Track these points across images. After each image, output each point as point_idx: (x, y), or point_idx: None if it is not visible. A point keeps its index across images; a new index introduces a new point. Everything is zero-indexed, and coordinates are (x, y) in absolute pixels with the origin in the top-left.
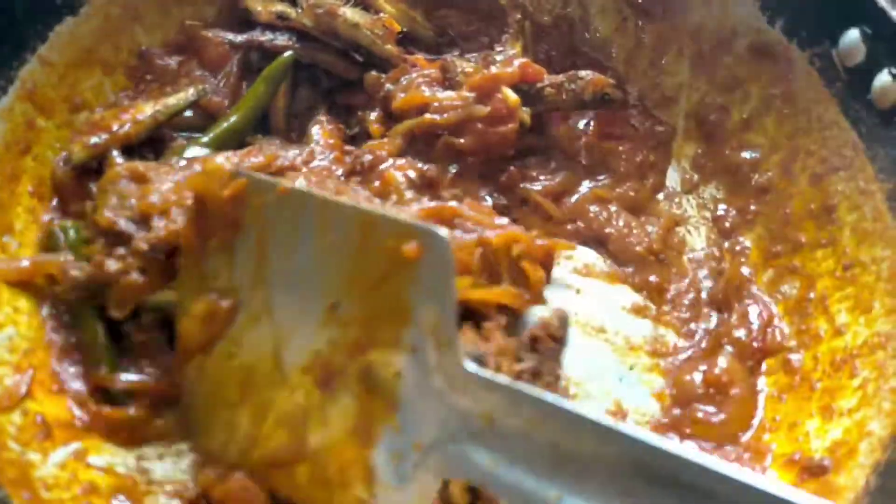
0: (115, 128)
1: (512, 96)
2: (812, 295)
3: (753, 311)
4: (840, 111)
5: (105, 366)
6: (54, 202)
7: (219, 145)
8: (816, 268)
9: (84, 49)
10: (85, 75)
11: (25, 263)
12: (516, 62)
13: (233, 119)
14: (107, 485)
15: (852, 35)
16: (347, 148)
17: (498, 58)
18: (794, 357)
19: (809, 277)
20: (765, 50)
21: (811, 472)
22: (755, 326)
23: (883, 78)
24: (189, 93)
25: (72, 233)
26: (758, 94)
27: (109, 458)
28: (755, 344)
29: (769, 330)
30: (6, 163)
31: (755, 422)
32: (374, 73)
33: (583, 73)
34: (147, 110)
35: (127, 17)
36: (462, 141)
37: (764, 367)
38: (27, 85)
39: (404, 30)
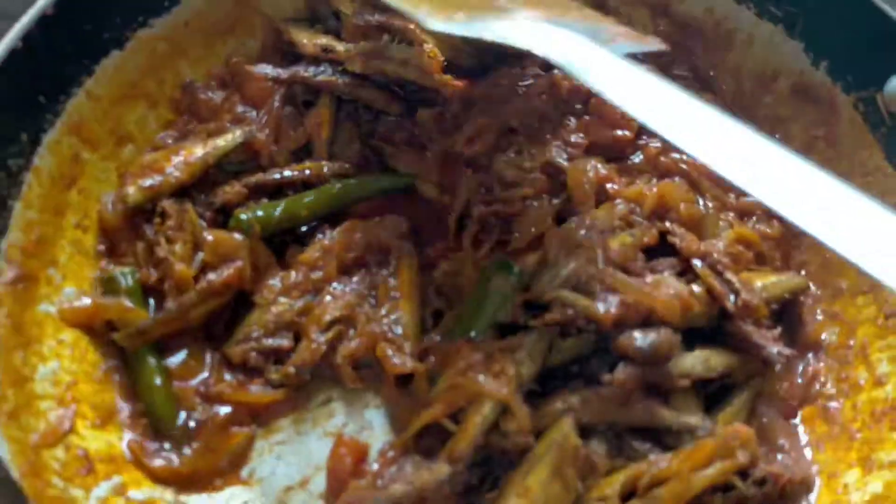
0: (168, 170)
1: None
2: (852, 342)
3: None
4: (885, 158)
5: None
6: (100, 241)
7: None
8: (857, 314)
9: (129, 83)
10: (130, 108)
11: (87, 303)
12: None
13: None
14: None
15: None
16: None
17: None
18: (833, 405)
19: (850, 324)
20: (808, 91)
21: None
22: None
23: None
24: (237, 134)
25: (129, 279)
26: (800, 135)
27: (149, 491)
28: (793, 402)
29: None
30: (52, 197)
31: None
32: (425, 111)
33: None
34: (198, 152)
35: (172, 52)
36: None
37: (799, 415)
38: (74, 118)
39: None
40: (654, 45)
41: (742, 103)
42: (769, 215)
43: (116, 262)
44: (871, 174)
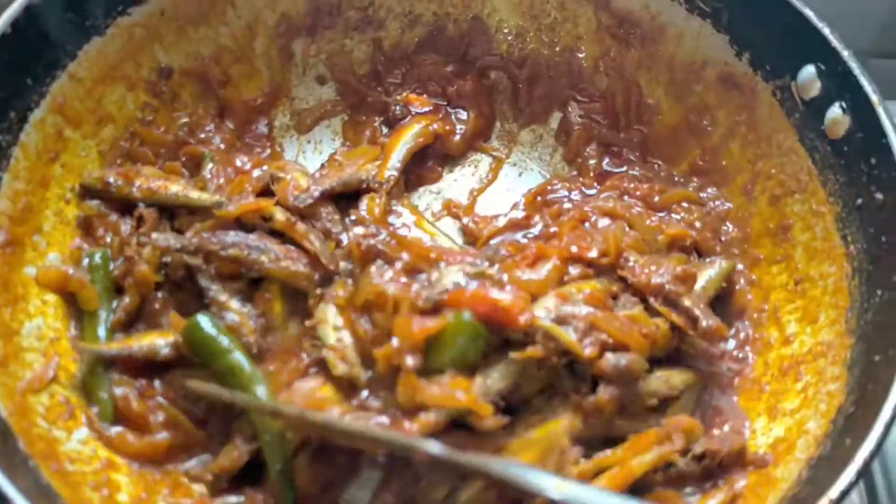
0: (136, 183)
1: None
2: (766, 306)
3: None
4: (798, 140)
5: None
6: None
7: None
8: (771, 281)
9: (109, 66)
10: (109, 90)
11: (56, 270)
12: None
13: None
14: (124, 461)
15: (809, 70)
16: None
17: None
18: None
19: (765, 290)
20: (732, 80)
21: (755, 464)
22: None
23: (834, 111)
24: (214, 199)
25: (97, 258)
26: (725, 120)
27: None
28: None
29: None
30: (37, 170)
31: None
32: None
33: None
34: (171, 188)
35: (148, 37)
36: None
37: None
38: (58, 99)
39: None
40: None
41: (675, 91)
42: (689, 203)
43: (93, 244)
44: (785, 155)
